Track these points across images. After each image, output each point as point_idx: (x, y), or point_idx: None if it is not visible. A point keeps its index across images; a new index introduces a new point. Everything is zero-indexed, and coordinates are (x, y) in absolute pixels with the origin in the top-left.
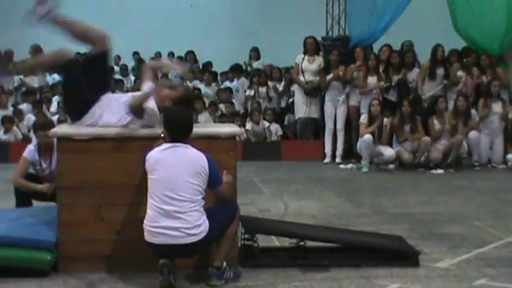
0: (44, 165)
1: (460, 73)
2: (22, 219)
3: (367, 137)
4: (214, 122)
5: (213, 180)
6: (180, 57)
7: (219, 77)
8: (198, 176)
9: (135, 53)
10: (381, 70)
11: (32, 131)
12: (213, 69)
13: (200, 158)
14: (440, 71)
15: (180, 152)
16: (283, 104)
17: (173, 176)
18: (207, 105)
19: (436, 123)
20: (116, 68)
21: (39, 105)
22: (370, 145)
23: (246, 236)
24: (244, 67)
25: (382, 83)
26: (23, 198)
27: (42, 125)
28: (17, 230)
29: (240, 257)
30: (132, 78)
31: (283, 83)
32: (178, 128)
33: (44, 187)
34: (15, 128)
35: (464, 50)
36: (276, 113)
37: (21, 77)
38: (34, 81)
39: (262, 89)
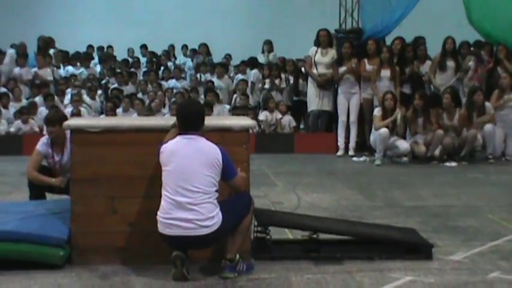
0: (57, 158)
1: (471, 63)
2: (35, 213)
3: (384, 130)
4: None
5: (227, 173)
6: (193, 50)
7: (232, 69)
8: (211, 167)
9: (143, 46)
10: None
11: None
12: (223, 61)
13: (214, 149)
14: (450, 63)
15: (194, 144)
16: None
17: (187, 167)
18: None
19: (444, 119)
20: (130, 61)
21: (51, 98)
22: (386, 139)
23: (259, 228)
24: (264, 55)
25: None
26: (37, 190)
27: (49, 120)
28: (29, 225)
29: (253, 249)
30: (144, 70)
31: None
32: (188, 119)
33: (56, 181)
34: (31, 120)
35: (476, 43)
36: (289, 106)
37: (36, 69)
38: (47, 74)
39: (275, 81)
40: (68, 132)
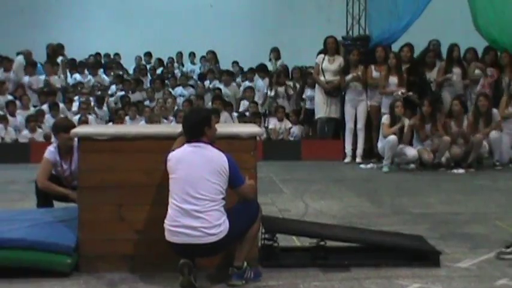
0: (65, 166)
1: (478, 72)
2: (43, 221)
3: (393, 137)
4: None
5: (234, 180)
6: (203, 57)
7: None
8: (218, 175)
9: (147, 54)
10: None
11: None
12: (231, 69)
13: (220, 157)
14: (456, 70)
15: (201, 152)
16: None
17: (194, 175)
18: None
19: (452, 126)
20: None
21: (56, 106)
22: (394, 146)
23: (266, 235)
24: (271, 63)
25: (402, 90)
26: (44, 198)
27: (65, 127)
28: (37, 233)
29: (261, 256)
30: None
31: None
32: (189, 127)
33: (73, 194)
34: (39, 129)
35: (485, 50)
36: (298, 114)
37: (43, 76)
38: (56, 82)
39: (281, 89)
40: (75, 140)
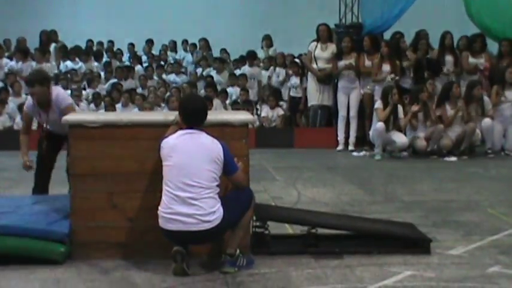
0: (43, 116)
1: (472, 60)
2: (36, 208)
3: (380, 125)
4: (225, 109)
5: (228, 168)
6: (193, 44)
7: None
8: (213, 163)
9: (148, 41)
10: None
11: None
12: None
13: (215, 145)
14: (449, 58)
15: (195, 139)
16: (293, 93)
17: (188, 163)
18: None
19: (448, 109)
20: (126, 56)
21: None
22: (382, 133)
23: (258, 223)
24: (263, 50)
25: (392, 75)
26: (42, 183)
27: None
28: (31, 220)
29: (252, 244)
30: (145, 65)
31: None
32: (192, 115)
33: (25, 162)
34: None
35: (473, 38)
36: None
37: (34, 63)
38: (48, 69)
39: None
40: (53, 93)
